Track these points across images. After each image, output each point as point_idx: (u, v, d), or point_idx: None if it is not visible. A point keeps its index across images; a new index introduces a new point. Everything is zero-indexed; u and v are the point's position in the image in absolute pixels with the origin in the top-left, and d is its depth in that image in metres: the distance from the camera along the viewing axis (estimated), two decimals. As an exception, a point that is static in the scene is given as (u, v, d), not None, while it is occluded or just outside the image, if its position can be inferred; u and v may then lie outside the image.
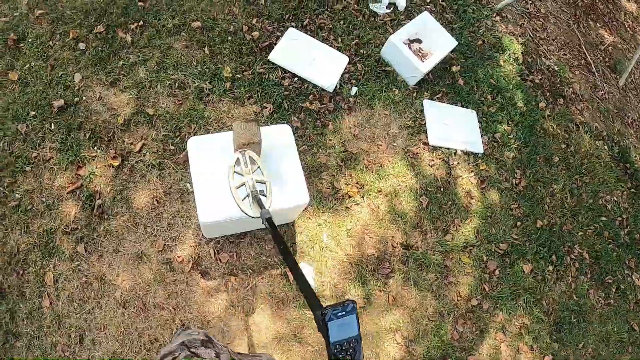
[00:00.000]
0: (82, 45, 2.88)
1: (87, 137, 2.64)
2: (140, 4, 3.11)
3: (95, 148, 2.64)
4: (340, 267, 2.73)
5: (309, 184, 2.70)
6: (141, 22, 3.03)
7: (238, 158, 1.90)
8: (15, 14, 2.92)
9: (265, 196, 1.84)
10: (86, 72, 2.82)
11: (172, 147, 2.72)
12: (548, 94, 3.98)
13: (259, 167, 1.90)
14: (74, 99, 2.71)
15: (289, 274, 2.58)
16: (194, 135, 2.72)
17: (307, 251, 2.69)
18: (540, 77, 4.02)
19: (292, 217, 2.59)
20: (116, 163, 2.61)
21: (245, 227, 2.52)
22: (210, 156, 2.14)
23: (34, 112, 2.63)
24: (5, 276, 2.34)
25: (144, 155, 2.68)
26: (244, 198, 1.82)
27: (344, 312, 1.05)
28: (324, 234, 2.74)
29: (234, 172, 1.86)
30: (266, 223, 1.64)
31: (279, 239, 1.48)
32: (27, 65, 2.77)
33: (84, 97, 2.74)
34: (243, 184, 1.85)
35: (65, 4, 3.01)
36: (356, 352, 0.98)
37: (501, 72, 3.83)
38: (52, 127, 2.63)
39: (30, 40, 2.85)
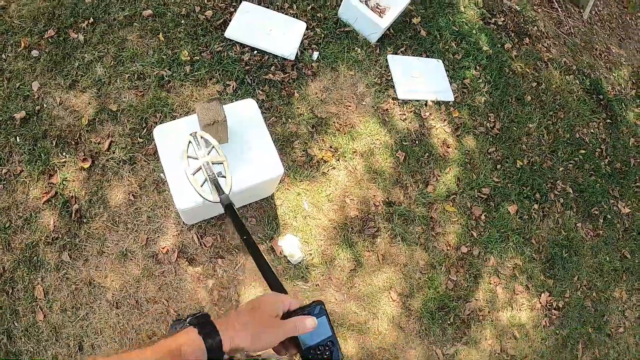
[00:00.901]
0: (35, 53, 2.86)
1: (54, 144, 2.63)
2: (87, 1, 3.07)
3: (63, 153, 2.63)
4: (325, 234, 2.75)
5: (282, 154, 2.74)
6: (91, 19, 3.00)
7: (190, 142, 1.86)
8: (-38, 33, 2.89)
9: (225, 177, 1.78)
10: (43, 79, 2.80)
11: (141, 140, 2.71)
12: (513, 34, 3.97)
13: (213, 147, 1.86)
14: (35, 108, 2.70)
15: (275, 247, 2.59)
16: (160, 124, 2.68)
17: (290, 222, 2.70)
18: (503, 19, 4.01)
19: (269, 190, 2.60)
20: (87, 165, 2.61)
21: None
22: (177, 142, 2.11)
23: None
24: (-5, 297, 2.34)
25: (114, 153, 2.67)
26: (203, 183, 1.79)
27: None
28: (304, 202, 2.74)
29: (188, 156, 1.82)
30: (226, 210, 1.57)
31: (240, 227, 1.36)
32: (-17, 82, 2.75)
33: (44, 105, 2.72)
34: (199, 169, 1.82)
35: (12, 14, 2.98)
36: (332, 353, 0.89)
37: (463, 18, 3.80)
38: (18, 140, 2.62)
39: (-19, 56, 2.82)
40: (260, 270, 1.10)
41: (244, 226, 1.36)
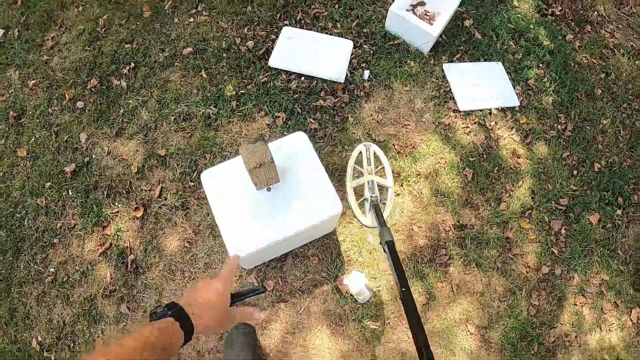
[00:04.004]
0: (80, 104, 2.95)
1: (105, 194, 2.68)
2: (127, 46, 3.14)
3: (115, 203, 2.66)
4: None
5: (341, 185, 2.62)
6: (132, 64, 3.06)
7: (360, 152, 1.70)
8: (10, 91, 3.04)
9: (385, 204, 1.64)
10: (90, 130, 2.87)
11: (192, 184, 2.69)
12: (573, 23, 3.71)
13: (383, 167, 1.69)
14: (84, 159, 2.77)
15: (341, 286, 2.47)
16: (211, 165, 2.65)
17: (354, 258, 2.57)
18: (560, 8, 3.74)
19: (330, 227, 2.48)
20: (139, 214, 2.62)
21: (286, 248, 2.44)
22: (227, 186, 2.06)
23: (49, 183, 2.72)
24: (57, 352, 2.38)
25: (165, 199, 2.67)
26: (360, 201, 1.65)
27: None
28: (369, 235, 2.60)
29: (354, 166, 1.67)
30: (386, 248, 1.49)
31: (400, 273, 1.36)
32: (33, 139, 2.86)
33: (93, 156, 2.79)
34: (362, 185, 1.68)
35: (55, 67, 3.10)
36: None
37: (517, 13, 3.60)
38: (70, 193, 2.69)
39: (29, 112, 2.95)
40: (411, 330, 1.15)
41: (404, 273, 1.35)
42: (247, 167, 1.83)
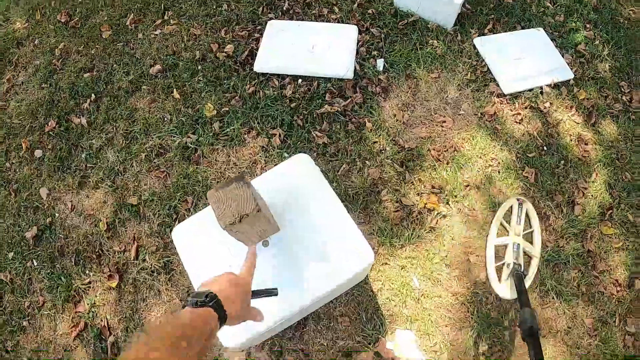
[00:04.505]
0: (38, 153, 2.61)
1: (74, 261, 2.29)
2: (86, 75, 2.78)
3: (86, 272, 2.26)
4: (450, 315, 2.03)
5: (367, 215, 2.20)
6: (93, 96, 2.70)
7: (512, 206, 1.71)
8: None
9: (526, 275, 1.55)
10: (51, 182, 2.52)
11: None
12: None
13: (532, 232, 1.67)
14: (46, 220, 2.41)
15: (384, 353, 1.92)
16: (195, 211, 2.22)
17: (398, 311, 2.01)
18: None
19: (359, 277, 1.90)
20: (114, 283, 2.19)
21: (303, 313, 1.85)
22: (207, 245, 1.55)
23: (12, 254, 2.38)
24: None
25: (144, 261, 2.22)
26: (498, 265, 1.58)
27: None
28: (413, 278, 2.05)
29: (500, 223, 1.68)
30: (526, 337, 1.38)
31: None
32: (-8, 202, 2.56)
33: (56, 214, 2.42)
34: (504, 245, 1.64)
35: (12, 112, 2.82)
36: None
37: None
38: (35, 263, 2.33)
39: (-15, 170, 2.63)
40: None
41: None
42: (221, 224, 1.24)
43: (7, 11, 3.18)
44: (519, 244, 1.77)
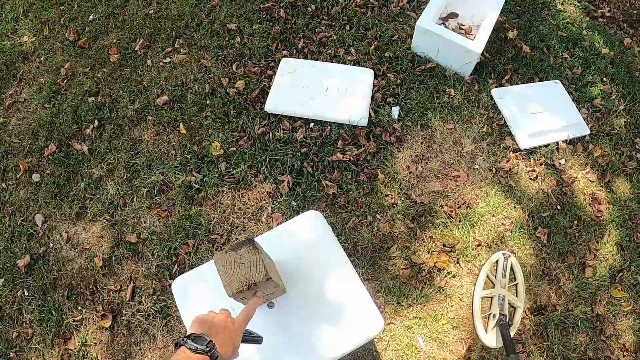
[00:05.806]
0: (36, 177, 2.54)
1: (66, 295, 2.22)
2: (90, 100, 2.70)
3: (79, 308, 2.19)
4: None
5: (375, 271, 2.17)
6: (96, 122, 2.61)
7: (497, 260, 1.76)
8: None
9: (511, 325, 1.59)
10: (47, 210, 2.45)
11: (172, 281, 2.09)
12: (625, 25, 3.28)
13: (516, 284, 1.73)
14: (40, 249, 2.34)
15: None
16: (195, 255, 2.18)
17: None
18: (608, 9, 3.33)
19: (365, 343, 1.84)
20: (107, 324, 2.12)
21: None
22: (208, 300, 1.50)
23: (2, 280, 2.32)
24: None
25: (140, 303, 2.15)
26: (485, 316, 1.63)
27: None
28: (419, 339, 2.03)
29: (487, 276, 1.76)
30: None
31: None
32: (-15, 223, 2.47)
33: (50, 244, 2.35)
34: (490, 297, 1.68)
35: (11, 131, 2.74)
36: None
37: (565, 18, 3.20)
38: (26, 293, 2.27)
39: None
40: None
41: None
42: (228, 292, 1.20)
43: (16, 23, 3.10)
44: (504, 295, 1.81)
